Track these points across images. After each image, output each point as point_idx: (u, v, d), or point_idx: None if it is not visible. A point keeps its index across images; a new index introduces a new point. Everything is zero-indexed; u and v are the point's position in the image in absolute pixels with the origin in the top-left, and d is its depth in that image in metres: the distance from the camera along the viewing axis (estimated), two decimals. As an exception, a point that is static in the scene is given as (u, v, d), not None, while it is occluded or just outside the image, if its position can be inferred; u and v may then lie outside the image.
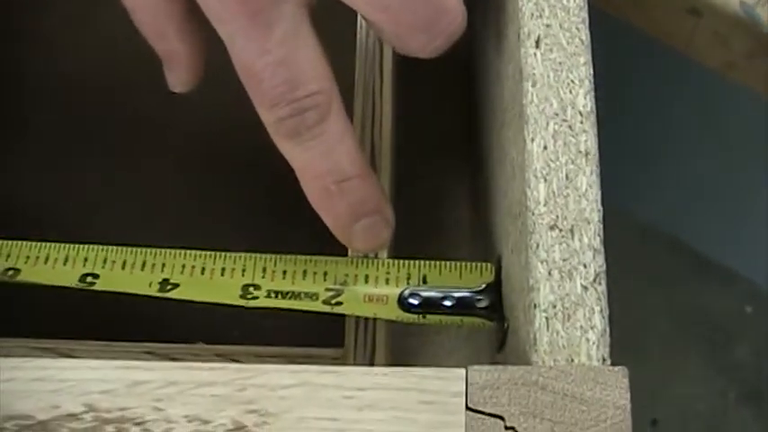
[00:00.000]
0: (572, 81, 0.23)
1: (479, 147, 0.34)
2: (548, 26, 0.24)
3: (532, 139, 0.22)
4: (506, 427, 0.20)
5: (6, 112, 0.37)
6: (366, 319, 0.29)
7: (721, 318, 0.84)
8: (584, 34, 0.23)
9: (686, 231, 0.79)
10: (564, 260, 0.21)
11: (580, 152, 0.22)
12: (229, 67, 0.25)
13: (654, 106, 0.61)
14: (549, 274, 0.21)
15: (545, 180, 0.22)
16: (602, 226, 0.21)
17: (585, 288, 0.21)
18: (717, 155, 0.62)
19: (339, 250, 0.27)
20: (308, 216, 0.26)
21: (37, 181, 0.36)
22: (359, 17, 0.32)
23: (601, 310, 0.21)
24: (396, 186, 0.32)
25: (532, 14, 0.24)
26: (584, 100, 0.23)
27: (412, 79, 0.34)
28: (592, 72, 0.23)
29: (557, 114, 0.23)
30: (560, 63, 0.23)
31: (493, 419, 0.20)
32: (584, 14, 0.24)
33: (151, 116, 0.37)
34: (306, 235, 0.27)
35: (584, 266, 0.21)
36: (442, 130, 0.37)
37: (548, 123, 0.23)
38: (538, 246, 0.21)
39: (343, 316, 0.29)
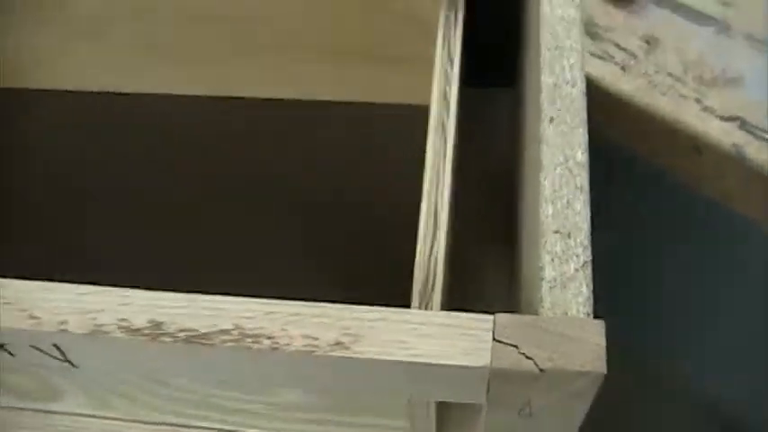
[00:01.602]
0: (572, 143, 0.34)
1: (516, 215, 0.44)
2: (558, 110, 0.35)
3: (545, 178, 0.33)
4: (519, 353, 0.29)
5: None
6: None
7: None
8: (583, 114, 0.34)
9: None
10: (562, 252, 0.31)
11: (577, 187, 0.33)
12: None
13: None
14: (552, 260, 0.31)
15: (552, 203, 0.32)
16: (589, 232, 0.31)
17: (577, 270, 0.31)
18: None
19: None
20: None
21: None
22: (431, 118, 0.43)
23: (587, 285, 0.31)
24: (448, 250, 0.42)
25: (550, 103, 0.35)
26: (581, 155, 0.33)
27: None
28: (587, 137, 0.34)
29: (561, 163, 0.33)
30: (565, 133, 0.34)
31: (510, 347, 0.29)
32: (584, 102, 0.35)
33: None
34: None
35: (576, 257, 0.31)
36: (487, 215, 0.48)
37: (555, 168, 0.33)
38: (545, 242, 0.31)
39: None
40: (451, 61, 0.45)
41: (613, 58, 0.58)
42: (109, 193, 0.54)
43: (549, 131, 0.34)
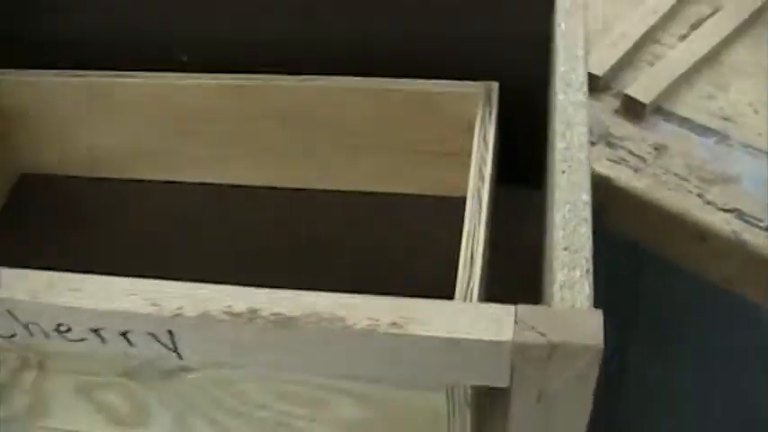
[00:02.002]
0: (580, 188, 0.43)
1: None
2: (570, 167, 0.44)
3: (556, 212, 0.42)
4: (535, 331, 0.37)
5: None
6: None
7: None
8: (587, 168, 0.44)
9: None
10: (570, 261, 0.40)
11: (582, 219, 0.42)
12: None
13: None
14: (561, 268, 0.40)
15: (563, 229, 0.41)
16: (591, 247, 0.40)
17: (581, 275, 0.39)
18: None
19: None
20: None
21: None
22: (469, 189, 0.52)
23: (589, 286, 0.39)
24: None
25: (561, 160, 0.45)
26: (585, 196, 0.42)
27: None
28: (589, 184, 0.43)
29: (569, 203, 0.42)
30: (574, 182, 0.43)
31: (528, 328, 0.37)
32: (588, 163, 0.44)
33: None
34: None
35: (581, 266, 0.40)
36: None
37: (564, 206, 0.42)
38: (556, 258, 0.40)
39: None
40: (485, 159, 0.55)
41: (627, 162, 0.68)
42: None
43: (561, 180, 0.43)
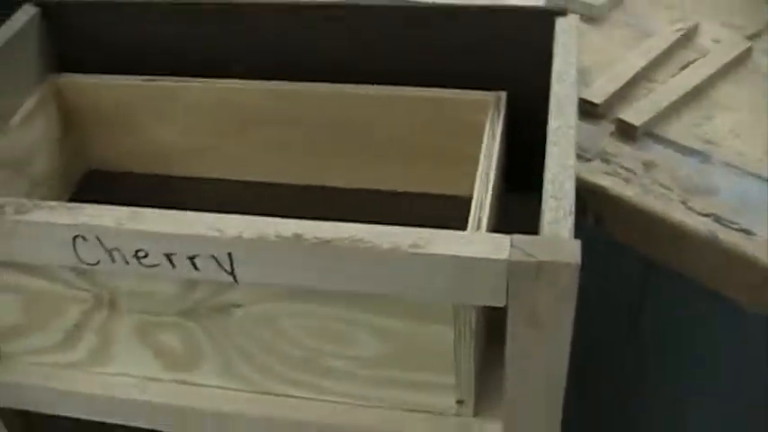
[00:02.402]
0: (567, 154, 0.52)
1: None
2: (559, 139, 0.54)
3: (547, 172, 0.51)
4: (526, 253, 0.46)
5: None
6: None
7: None
8: (573, 140, 0.53)
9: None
10: (556, 206, 0.49)
11: (567, 177, 0.51)
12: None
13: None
14: (549, 211, 0.49)
15: (551, 184, 0.51)
16: (574, 197, 0.49)
17: (564, 216, 0.48)
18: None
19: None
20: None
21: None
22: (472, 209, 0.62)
23: (570, 224, 0.48)
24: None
25: (552, 135, 0.54)
26: (571, 161, 0.52)
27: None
28: (574, 152, 0.52)
29: (558, 165, 0.52)
30: (562, 150, 0.53)
31: (521, 251, 0.46)
32: (574, 137, 0.54)
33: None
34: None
35: (564, 209, 0.49)
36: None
37: (554, 167, 0.52)
38: (546, 204, 0.49)
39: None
40: (489, 162, 0.64)
41: (619, 174, 0.77)
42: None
43: (553, 150, 0.53)
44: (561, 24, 0.64)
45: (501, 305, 0.49)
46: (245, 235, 0.49)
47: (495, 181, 0.62)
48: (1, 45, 0.70)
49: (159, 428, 0.66)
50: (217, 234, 0.50)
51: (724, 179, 0.76)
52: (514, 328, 0.50)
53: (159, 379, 0.64)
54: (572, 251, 0.46)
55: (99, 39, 0.75)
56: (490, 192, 0.60)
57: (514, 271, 0.47)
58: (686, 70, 0.87)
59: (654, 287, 0.84)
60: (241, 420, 0.62)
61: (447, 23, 0.69)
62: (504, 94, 0.68)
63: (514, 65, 0.68)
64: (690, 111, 0.83)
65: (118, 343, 0.63)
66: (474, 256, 0.47)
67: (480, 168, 0.63)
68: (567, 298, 0.47)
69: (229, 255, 0.50)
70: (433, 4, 0.72)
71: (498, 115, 0.68)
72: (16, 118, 0.71)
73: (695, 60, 0.88)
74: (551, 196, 0.50)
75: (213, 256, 0.51)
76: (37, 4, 0.74)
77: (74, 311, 0.61)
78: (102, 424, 0.67)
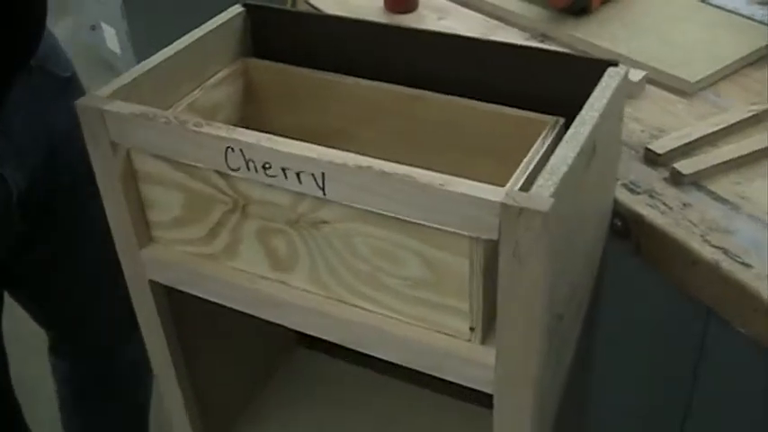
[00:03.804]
0: (572, 148, 0.72)
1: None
2: (570, 137, 0.74)
3: (552, 157, 0.72)
4: (514, 200, 0.66)
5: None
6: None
7: None
8: (584, 137, 0.73)
9: None
10: (549, 177, 0.69)
11: (565, 164, 0.71)
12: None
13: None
14: (542, 177, 0.69)
15: (551, 165, 0.71)
16: (565, 172, 0.69)
17: (550, 183, 0.68)
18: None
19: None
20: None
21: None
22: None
23: (553, 188, 0.68)
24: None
25: (570, 132, 0.74)
26: (572, 153, 0.72)
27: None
28: (580, 148, 0.72)
29: (563, 154, 0.72)
30: (567, 145, 0.73)
31: (511, 198, 0.67)
32: (585, 135, 0.74)
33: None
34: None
35: (553, 180, 0.69)
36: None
37: (558, 155, 0.72)
38: (541, 175, 0.69)
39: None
40: (531, 161, 0.84)
41: (658, 208, 0.95)
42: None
43: (563, 144, 0.73)
44: (610, 71, 0.84)
45: (494, 238, 0.69)
46: (335, 161, 0.72)
47: (527, 176, 0.82)
48: (213, 29, 0.98)
49: (259, 315, 0.90)
50: (315, 154, 0.73)
51: (744, 226, 0.92)
52: (503, 263, 0.69)
53: (267, 277, 0.88)
54: (545, 203, 0.66)
55: (284, 37, 1.01)
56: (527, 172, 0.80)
57: (504, 212, 0.67)
58: (745, 141, 1.03)
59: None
60: (315, 315, 0.84)
61: (541, 61, 0.89)
62: (561, 120, 0.88)
63: (576, 99, 0.88)
64: (736, 173, 1.00)
65: (243, 242, 0.87)
66: (478, 195, 0.67)
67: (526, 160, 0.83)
68: (541, 239, 0.67)
69: (323, 174, 0.74)
70: (534, 46, 0.94)
71: (552, 133, 0.87)
72: (212, 80, 0.98)
73: (755, 136, 1.04)
74: (548, 171, 0.70)
75: (312, 174, 0.74)
76: (243, 5, 1.02)
77: (217, 212, 0.86)
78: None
